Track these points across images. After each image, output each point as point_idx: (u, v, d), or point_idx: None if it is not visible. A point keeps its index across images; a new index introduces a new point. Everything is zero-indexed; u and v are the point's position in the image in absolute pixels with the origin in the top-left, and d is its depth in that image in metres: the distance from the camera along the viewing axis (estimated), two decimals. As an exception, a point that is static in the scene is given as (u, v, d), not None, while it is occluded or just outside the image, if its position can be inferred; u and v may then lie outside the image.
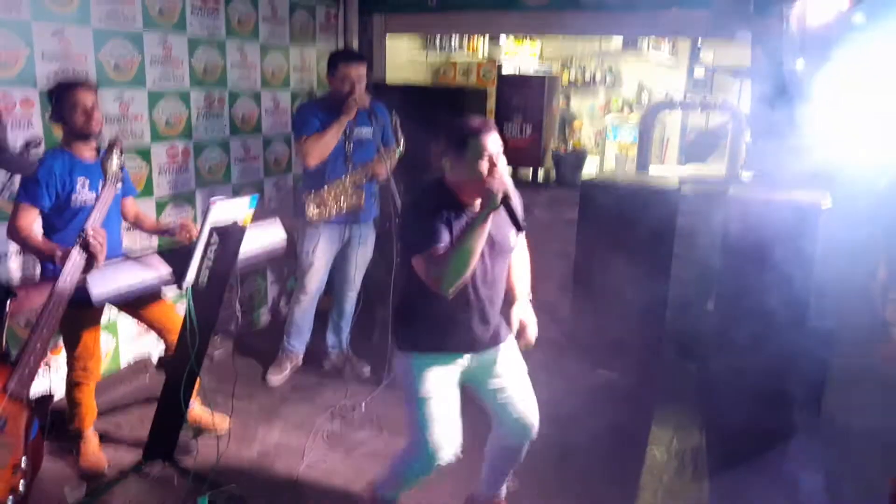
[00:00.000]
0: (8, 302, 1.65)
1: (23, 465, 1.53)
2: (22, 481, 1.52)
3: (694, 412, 3.58)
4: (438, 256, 2.01)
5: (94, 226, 1.89)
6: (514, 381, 2.39)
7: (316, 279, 3.72)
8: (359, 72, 3.43)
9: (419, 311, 2.26)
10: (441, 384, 2.25)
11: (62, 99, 2.67)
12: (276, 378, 3.80)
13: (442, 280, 2.01)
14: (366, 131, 3.52)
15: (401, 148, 3.56)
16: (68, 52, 3.12)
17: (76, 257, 1.78)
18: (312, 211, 3.47)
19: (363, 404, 3.51)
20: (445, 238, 2.04)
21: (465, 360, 2.29)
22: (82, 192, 2.73)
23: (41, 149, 2.56)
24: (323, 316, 3.93)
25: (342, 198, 3.52)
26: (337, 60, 3.48)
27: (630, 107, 7.27)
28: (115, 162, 2.10)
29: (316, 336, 3.94)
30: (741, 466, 3.13)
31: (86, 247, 1.81)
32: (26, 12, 2.92)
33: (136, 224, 3.10)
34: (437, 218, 2.07)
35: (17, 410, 1.53)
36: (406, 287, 2.27)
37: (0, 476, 1.46)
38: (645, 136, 4.30)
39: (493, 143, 2.08)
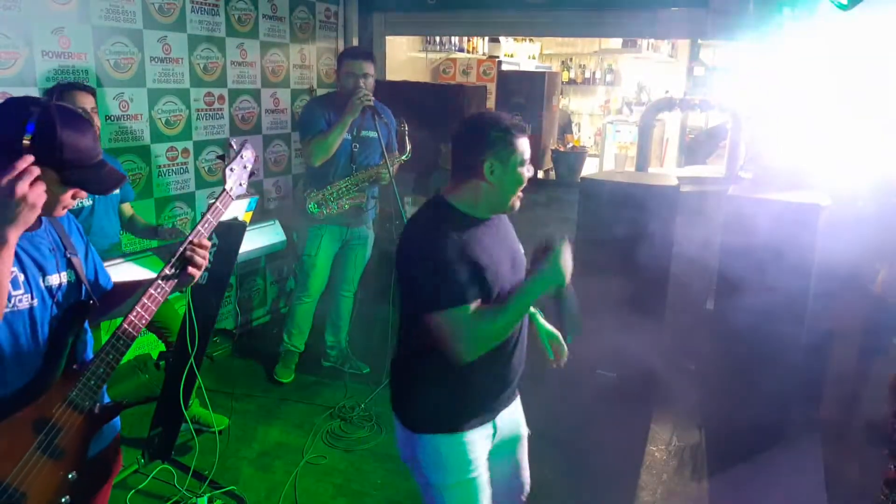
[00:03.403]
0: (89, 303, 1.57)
1: (70, 477, 1.47)
2: (67, 497, 1.46)
3: (693, 411, 3.59)
4: (469, 319, 1.64)
5: (199, 237, 1.61)
6: (523, 439, 2.03)
7: (319, 279, 3.72)
8: (364, 68, 3.43)
9: (448, 378, 1.75)
10: (482, 460, 1.83)
11: (61, 101, 2.67)
12: (288, 378, 3.80)
13: (471, 350, 1.65)
14: (371, 133, 3.52)
15: (407, 154, 3.57)
16: (68, 50, 3.11)
17: (172, 270, 1.56)
18: (314, 209, 3.46)
19: (362, 404, 3.51)
20: (473, 293, 1.66)
21: (497, 421, 1.88)
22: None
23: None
24: (318, 315, 3.91)
25: (345, 198, 3.53)
26: (343, 57, 3.51)
27: (629, 106, 7.26)
28: (235, 179, 1.75)
29: (315, 335, 3.94)
30: (740, 465, 3.14)
31: (187, 261, 1.57)
32: (26, 10, 2.91)
33: (130, 226, 3.11)
34: (461, 263, 1.65)
35: (76, 421, 1.47)
36: (419, 348, 1.77)
37: (45, 487, 1.41)
38: (644, 135, 4.30)
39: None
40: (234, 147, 1.78)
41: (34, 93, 2.98)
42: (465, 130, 1.79)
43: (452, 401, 1.78)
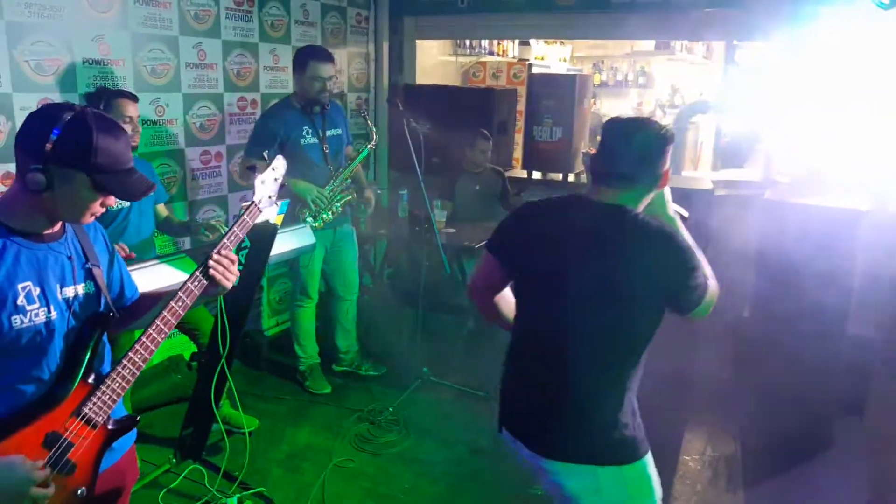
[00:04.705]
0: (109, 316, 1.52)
1: (80, 493, 1.43)
2: None
3: (728, 420, 3.51)
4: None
5: (225, 249, 1.58)
6: None
7: (317, 283, 3.71)
8: (331, 71, 3.38)
9: (636, 389, 1.77)
10: None
11: (110, 109, 2.74)
12: (328, 388, 3.76)
13: None
14: (337, 130, 3.59)
15: (372, 144, 3.59)
16: (107, 56, 3.18)
17: (195, 283, 1.54)
18: (311, 223, 3.39)
19: (391, 408, 3.51)
20: None
21: None
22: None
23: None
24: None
25: (335, 202, 3.50)
26: (307, 58, 3.34)
27: (663, 109, 7.17)
28: (265, 191, 1.71)
29: (320, 340, 3.93)
30: (778, 477, 3.05)
31: (205, 272, 1.54)
32: (68, 19, 2.98)
33: (165, 225, 3.16)
34: None
35: (88, 434, 1.43)
36: (637, 362, 1.71)
37: (54, 503, 1.36)
38: (678, 138, 4.22)
39: None
40: (266, 158, 1.75)
41: (74, 98, 3.05)
42: (655, 139, 1.68)
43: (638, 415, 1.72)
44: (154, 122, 3.48)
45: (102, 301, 1.54)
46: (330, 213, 3.47)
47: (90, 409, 1.43)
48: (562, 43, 7.16)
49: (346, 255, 3.79)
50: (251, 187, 1.71)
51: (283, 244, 2.76)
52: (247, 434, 3.06)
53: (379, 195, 4.58)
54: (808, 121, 3.75)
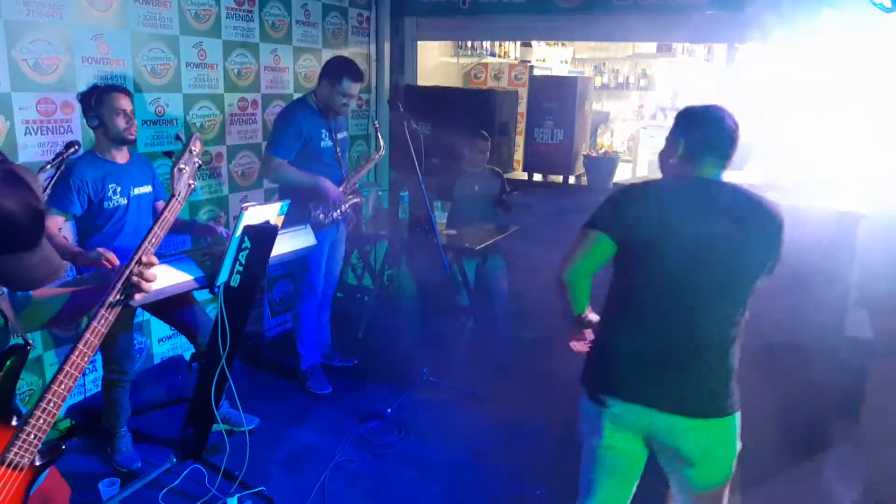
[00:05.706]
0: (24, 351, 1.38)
1: None
2: None
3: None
4: None
5: (147, 254, 1.51)
6: None
7: (322, 277, 3.77)
8: (357, 90, 3.50)
9: None
10: None
11: (103, 103, 2.72)
12: (328, 388, 3.78)
13: None
14: (344, 132, 3.71)
15: (379, 154, 3.72)
16: (107, 56, 3.18)
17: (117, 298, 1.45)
18: (323, 220, 3.49)
19: (390, 409, 3.51)
20: None
21: None
22: (114, 198, 2.79)
23: (80, 152, 2.62)
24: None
25: (345, 203, 3.62)
26: (342, 74, 3.42)
27: (664, 111, 7.16)
28: (185, 181, 1.68)
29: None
30: (776, 479, 3.06)
31: (129, 286, 1.47)
32: (68, 18, 2.98)
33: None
34: None
35: (15, 479, 1.33)
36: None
37: None
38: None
39: None
40: (181, 139, 1.64)
41: (72, 99, 3.04)
42: (737, 122, 1.97)
43: None
44: (154, 122, 3.48)
45: (10, 327, 1.40)
46: (339, 212, 3.57)
47: (15, 453, 1.33)
48: (563, 45, 7.16)
49: (338, 251, 3.89)
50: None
51: (284, 245, 2.75)
52: (247, 434, 3.06)
53: (380, 197, 4.60)
54: (809, 123, 3.75)
